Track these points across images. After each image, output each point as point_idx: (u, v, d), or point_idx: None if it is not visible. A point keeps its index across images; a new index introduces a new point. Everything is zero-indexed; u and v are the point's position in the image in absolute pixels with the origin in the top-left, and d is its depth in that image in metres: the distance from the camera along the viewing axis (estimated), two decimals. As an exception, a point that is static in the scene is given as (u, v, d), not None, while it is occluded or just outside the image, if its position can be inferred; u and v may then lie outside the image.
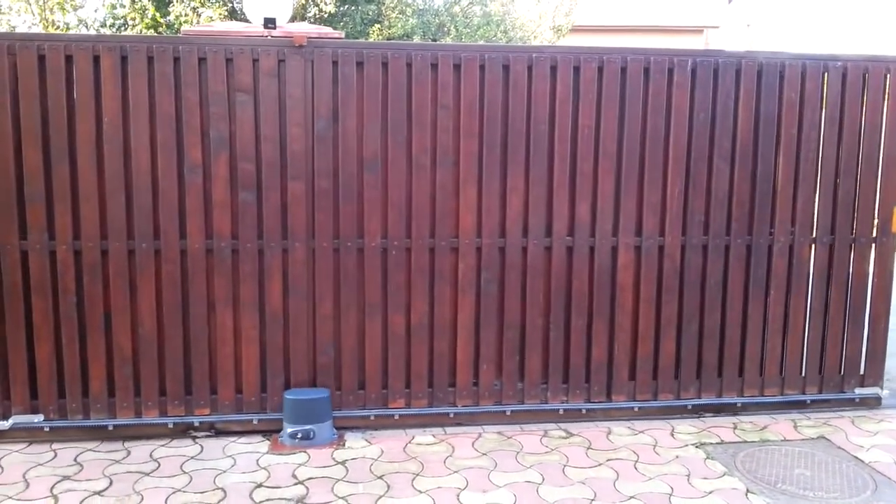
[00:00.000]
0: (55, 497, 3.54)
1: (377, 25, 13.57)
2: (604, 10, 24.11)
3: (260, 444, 4.17)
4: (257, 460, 3.97)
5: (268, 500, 3.54)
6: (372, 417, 4.39)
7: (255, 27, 4.18)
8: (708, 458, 4.07)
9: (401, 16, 14.07)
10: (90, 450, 4.07)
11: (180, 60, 4.01)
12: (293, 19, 11.07)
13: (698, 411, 4.68)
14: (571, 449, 4.16)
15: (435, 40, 13.30)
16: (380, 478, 3.77)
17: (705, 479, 3.83)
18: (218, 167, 4.10)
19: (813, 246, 4.67)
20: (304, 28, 4.23)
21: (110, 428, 4.20)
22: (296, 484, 3.70)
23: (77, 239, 4.06)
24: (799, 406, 4.77)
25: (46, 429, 4.16)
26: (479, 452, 4.09)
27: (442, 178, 4.28)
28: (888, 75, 4.59)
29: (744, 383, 4.70)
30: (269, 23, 4.17)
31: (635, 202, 4.46)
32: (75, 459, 3.95)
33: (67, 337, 4.10)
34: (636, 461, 4.02)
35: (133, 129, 4.01)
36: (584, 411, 4.57)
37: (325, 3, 12.72)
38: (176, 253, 4.12)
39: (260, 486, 3.68)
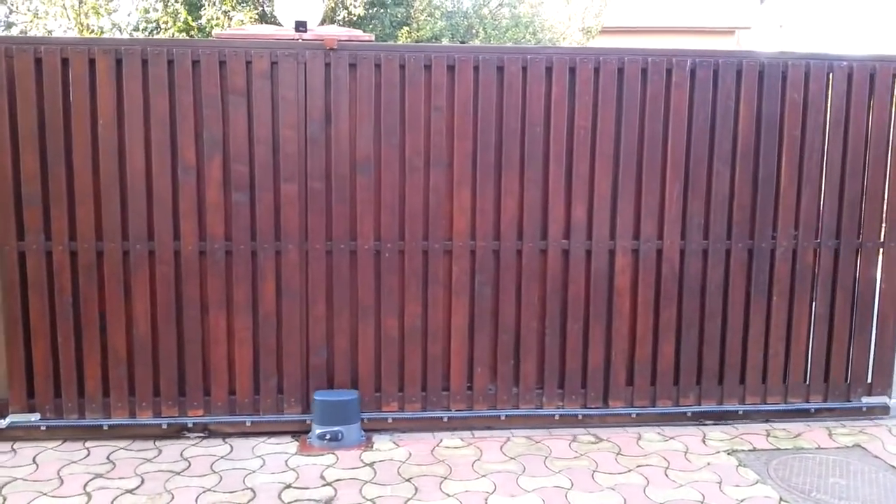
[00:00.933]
0: (88, 495, 3.58)
1: (406, 28, 13.59)
2: (634, 12, 23.92)
3: (289, 445, 4.19)
4: (286, 461, 3.99)
5: (296, 500, 3.54)
6: (365, 420, 4.38)
7: (287, 30, 4.19)
8: (740, 465, 4.00)
9: (429, 18, 14.08)
10: (122, 448, 4.12)
11: (174, 63, 4.04)
12: (322, 22, 11.12)
13: (698, 418, 4.59)
14: (600, 454, 4.11)
15: (463, 42, 13.28)
16: (408, 480, 3.77)
17: (737, 486, 3.75)
18: (211, 169, 4.12)
19: (817, 250, 4.55)
20: (335, 31, 4.24)
21: (105, 428, 4.24)
22: (324, 485, 3.71)
23: (73, 240, 4.10)
24: (803, 415, 4.65)
25: (43, 427, 4.20)
26: (507, 457, 4.07)
27: (435, 180, 4.25)
28: (896, 75, 4.47)
29: (745, 391, 4.60)
30: (301, 26, 4.20)
31: (633, 205, 4.39)
32: (108, 458, 4.00)
33: (63, 337, 4.14)
34: (667, 468, 3.96)
35: (127, 131, 4.04)
36: (580, 417, 4.50)
37: (354, 6, 12.76)
38: (170, 254, 4.15)
39: (289, 486, 3.69)
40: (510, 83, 4.22)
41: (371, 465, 3.96)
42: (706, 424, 4.58)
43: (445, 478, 3.81)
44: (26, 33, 14.42)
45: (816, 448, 4.25)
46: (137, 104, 4.04)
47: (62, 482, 3.71)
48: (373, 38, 4.33)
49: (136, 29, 14.14)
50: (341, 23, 13.01)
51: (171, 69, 4.05)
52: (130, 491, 3.62)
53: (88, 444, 4.16)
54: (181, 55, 4.03)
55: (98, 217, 4.10)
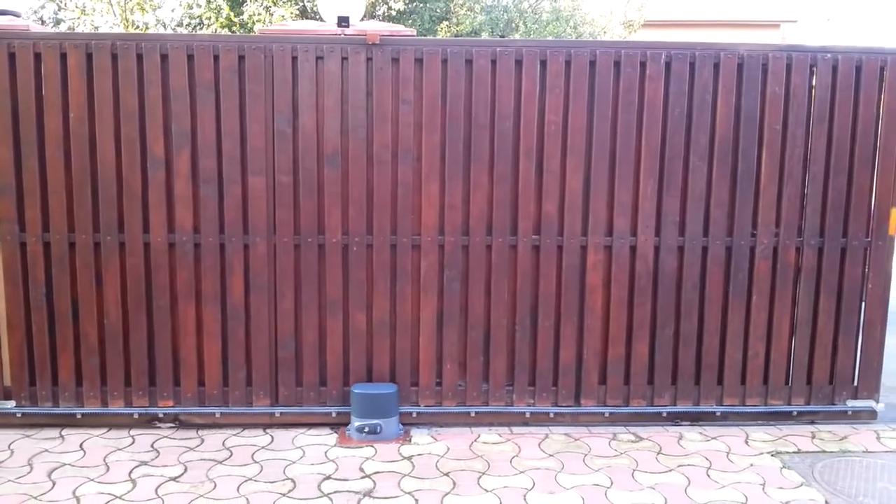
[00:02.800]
0: (133, 481, 3.66)
1: (445, 22, 13.56)
2: (677, 5, 23.63)
3: (328, 437, 4.23)
4: (325, 452, 4.03)
5: (336, 492, 3.58)
6: (333, 415, 4.38)
7: (329, 26, 4.23)
8: (784, 467, 3.92)
9: (469, 12, 14.01)
10: (166, 437, 4.20)
11: (143, 57, 4.08)
12: (363, 18, 11.15)
13: (674, 419, 4.50)
14: (641, 453, 4.07)
15: (503, 36, 13.19)
16: (446, 475, 3.77)
17: (781, 489, 3.68)
18: (180, 163, 4.15)
19: (800, 249, 4.41)
20: (377, 26, 4.25)
21: (79, 416, 4.31)
22: (363, 477, 3.74)
23: (46, 231, 4.17)
24: (784, 418, 4.52)
25: (19, 415, 4.30)
26: (545, 453, 4.05)
27: (403, 174, 4.22)
28: (885, 68, 4.30)
29: (723, 391, 4.49)
30: (343, 21, 4.24)
31: (605, 201, 4.30)
32: (152, 445, 4.09)
33: (37, 326, 4.22)
34: (708, 468, 3.90)
35: (98, 125, 4.10)
36: (551, 415, 4.44)
37: (395, 1, 12.77)
38: (139, 246, 4.20)
39: (328, 478, 3.73)
40: (479, 76, 4.17)
41: (409, 458, 3.96)
42: (682, 424, 4.49)
43: (484, 473, 3.80)
44: (73, 29, 14.70)
45: (864, 451, 4.13)
46: (107, 97, 4.09)
47: (108, 468, 3.80)
48: (414, 33, 4.31)
49: (180, 24, 14.35)
50: (381, 17, 13.04)
51: (140, 63, 4.09)
52: (174, 479, 3.69)
53: (133, 431, 4.25)
54: (150, 49, 4.06)
55: (70, 208, 4.16)
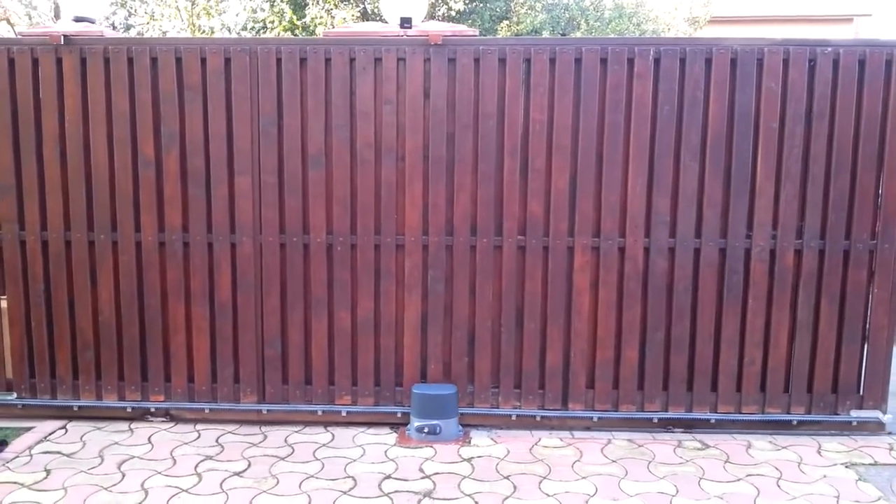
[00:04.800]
0: (199, 475, 3.73)
1: (505, 22, 13.50)
2: (745, 0, 23.00)
3: (388, 437, 4.25)
4: (385, 452, 4.05)
5: (396, 491, 3.57)
6: (319, 413, 4.41)
7: (391, 27, 4.32)
8: (860, 479, 3.76)
9: (530, 11, 13.89)
10: (230, 432, 4.29)
11: (134, 61, 4.18)
12: (425, 18, 11.19)
13: (666, 425, 4.37)
14: (707, 461, 3.96)
15: (564, 35, 13.07)
16: (506, 478, 3.73)
17: (857, 502, 3.53)
18: (169, 163, 4.24)
19: (800, 251, 4.23)
20: (440, 27, 4.28)
21: (75, 408, 4.46)
22: (423, 478, 3.73)
23: (44, 230, 4.32)
24: (783, 427, 4.35)
25: (20, 406, 4.46)
26: (608, 459, 3.98)
27: (387, 174, 4.22)
28: (892, 62, 4.08)
29: (718, 398, 4.34)
30: (406, 22, 4.29)
31: (592, 201, 4.21)
32: (217, 440, 4.17)
33: (36, 321, 4.38)
34: (779, 478, 3.76)
35: (91, 127, 4.22)
36: (538, 418, 4.38)
37: (455, 1, 12.78)
38: (131, 244, 4.31)
39: (388, 477, 3.73)
40: (463, 75, 4.13)
41: (469, 460, 3.94)
42: (676, 431, 4.36)
43: (544, 477, 3.74)
44: (142, 35, 15.18)
45: None
46: (100, 100, 4.21)
47: (175, 462, 3.89)
48: (477, 33, 4.33)
49: (244, 28, 14.63)
50: (440, 18, 13.06)
51: (130, 67, 4.19)
52: (238, 474, 3.75)
53: (199, 426, 4.36)
54: (139, 53, 4.17)
55: (66, 208, 4.30)
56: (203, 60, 4.17)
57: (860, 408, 4.35)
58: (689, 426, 4.38)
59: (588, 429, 4.36)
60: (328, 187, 4.24)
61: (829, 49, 4.08)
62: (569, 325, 4.30)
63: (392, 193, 4.23)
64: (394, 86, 4.15)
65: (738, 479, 3.73)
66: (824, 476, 3.78)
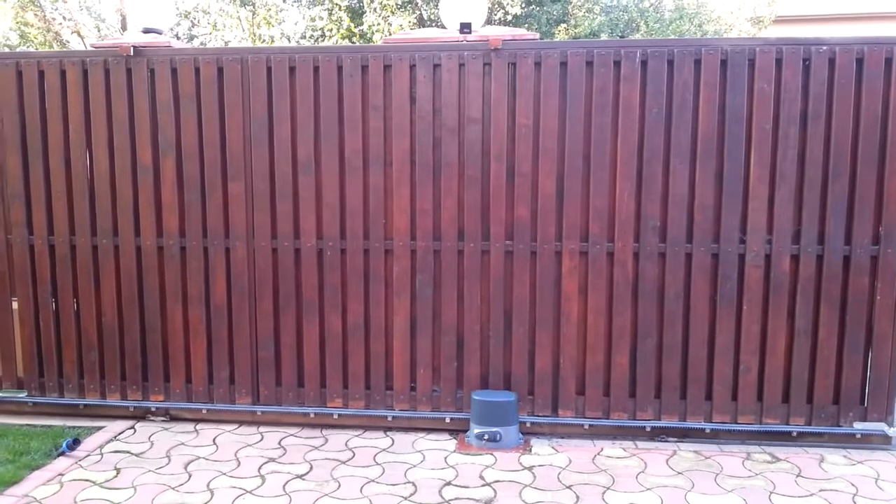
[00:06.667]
0: (262, 477, 3.79)
1: (563, 25, 13.45)
2: None
3: (447, 443, 4.26)
4: (445, 458, 4.04)
5: (457, 498, 3.55)
6: (312, 415, 4.47)
7: (451, 32, 4.42)
8: None
9: (587, 14, 13.79)
10: (292, 435, 4.37)
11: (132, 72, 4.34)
12: (484, 23, 11.20)
13: (659, 434, 4.28)
14: (778, 475, 3.84)
15: (623, 37, 12.98)
16: (568, 487, 3.68)
17: None
18: (166, 170, 4.38)
19: (797, 257, 4.10)
20: (499, 31, 4.35)
21: (81, 407, 4.63)
22: (483, 485, 3.70)
23: (51, 234, 4.51)
24: (782, 438, 4.21)
25: (30, 404, 4.66)
26: (673, 471, 3.89)
27: (374, 180, 4.27)
28: (892, 59, 3.93)
29: (713, 407, 4.23)
30: (465, 27, 4.37)
31: (580, 205, 4.17)
32: (279, 443, 4.25)
33: (44, 322, 4.57)
34: (854, 494, 3.63)
35: (94, 135, 4.39)
36: (528, 424, 4.34)
37: (511, 5, 12.82)
38: (132, 248, 4.46)
39: (448, 483, 3.72)
40: (449, 80, 4.15)
41: (530, 468, 3.90)
42: (668, 440, 4.27)
43: (608, 488, 3.67)
44: (205, 45, 15.66)
45: None
46: (101, 109, 4.38)
47: (239, 463, 4.00)
48: (537, 36, 4.38)
49: (303, 37, 14.92)
50: (497, 22, 13.09)
51: (129, 77, 4.35)
52: (300, 476, 3.79)
53: (262, 428, 4.45)
54: (137, 64, 4.32)
55: (71, 213, 4.48)
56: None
57: (864, 420, 4.18)
58: (683, 435, 4.28)
59: (581, 437, 4.31)
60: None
61: (825, 48, 3.95)
62: (558, 331, 4.26)
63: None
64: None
65: (811, 494, 3.59)
66: None
